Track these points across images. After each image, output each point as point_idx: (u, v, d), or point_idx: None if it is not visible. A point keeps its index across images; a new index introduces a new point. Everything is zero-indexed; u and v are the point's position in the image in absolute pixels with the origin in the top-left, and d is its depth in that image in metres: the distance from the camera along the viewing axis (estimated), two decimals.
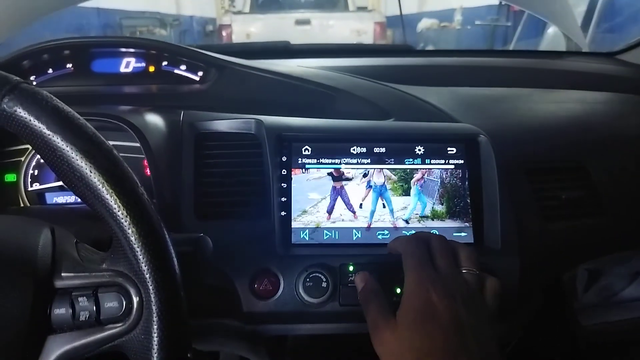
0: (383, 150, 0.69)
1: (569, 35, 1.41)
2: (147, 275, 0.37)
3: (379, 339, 0.47)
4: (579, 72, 1.07)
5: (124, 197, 0.37)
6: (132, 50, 0.87)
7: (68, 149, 0.36)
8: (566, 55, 1.24)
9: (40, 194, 0.77)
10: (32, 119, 0.36)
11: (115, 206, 0.36)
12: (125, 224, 0.37)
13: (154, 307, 0.37)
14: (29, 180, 0.77)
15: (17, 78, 0.37)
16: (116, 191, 0.36)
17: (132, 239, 0.37)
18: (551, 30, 1.81)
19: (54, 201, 0.77)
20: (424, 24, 6.03)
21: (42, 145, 0.36)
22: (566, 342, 0.98)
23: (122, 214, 0.36)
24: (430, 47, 5.15)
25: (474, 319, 0.45)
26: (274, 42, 1.18)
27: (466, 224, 0.67)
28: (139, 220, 0.37)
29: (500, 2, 4.95)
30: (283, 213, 0.66)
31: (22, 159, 0.77)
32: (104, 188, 0.36)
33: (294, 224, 0.66)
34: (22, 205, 0.76)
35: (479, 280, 0.51)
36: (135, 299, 0.39)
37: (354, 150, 0.69)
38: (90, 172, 0.36)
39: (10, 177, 0.76)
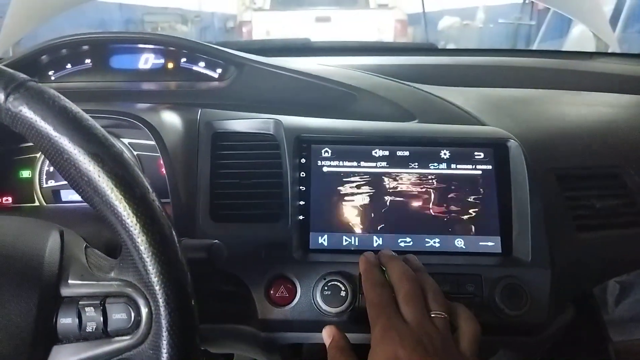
0: (407, 153, 0.66)
1: (599, 35, 1.36)
2: (157, 287, 0.35)
3: None
4: (611, 74, 1.02)
5: (134, 204, 0.34)
6: (151, 46, 0.85)
7: (76, 152, 0.34)
8: (596, 56, 1.19)
9: (56, 190, 0.76)
10: (38, 119, 0.34)
11: (125, 213, 0.34)
12: (135, 232, 0.34)
13: (163, 321, 0.35)
14: (44, 177, 0.76)
15: (24, 76, 0.35)
16: (126, 197, 0.34)
17: (142, 248, 0.34)
18: (576, 30, 1.76)
19: (69, 198, 0.76)
20: (445, 22, 5.94)
21: (49, 148, 0.34)
22: (597, 358, 0.94)
23: (132, 222, 0.34)
24: (452, 46, 5.07)
25: None
26: (294, 40, 1.16)
27: (494, 233, 0.64)
28: (149, 229, 0.35)
29: (524, 1, 4.86)
30: (301, 217, 0.64)
31: (37, 155, 0.76)
32: (112, 194, 0.34)
33: (312, 229, 0.64)
34: (37, 202, 0.75)
35: (449, 323, 0.47)
36: (144, 311, 0.36)
37: (375, 153, 0.66)
38: (99, 176, 0.34)
39: (25, 174, 0.76)
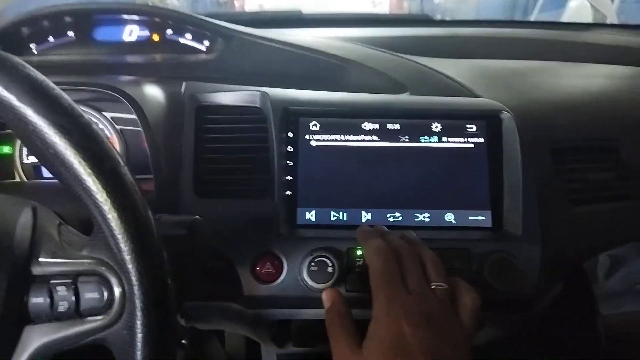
0: (397, 127, 0.64)
1: (596, 6, 1.33)
2: (130, 266, 0.33)
3: None
4: (608, 46, 1.00)
5: (103, 178, 0.33)
6: (135, 17, 0.82)
7: (41, 122, 0.32)
8: (593, 27, 1.16)
9: (37, 166, 0.74)
10: (0, 88, 0.32)
11: (94, 188, 0.32)
12: (105, 208, 0.33)
13: (137, 301, 0.33)
14: (25, 152, 0.74)
15: None
16: (95, 171, 0.32)
17: (113, 224, 0.33)
18: (574, 2, 1.72)
19: (50, 174, 0.74)
20: None
21: (13, 118, 0.32)
22: (586, 332, 0.94)
23: (101, 197, 0.32)
24: (448, 19, 4.99)
25: (449, 347, 0.41)
26: (285, 11, 1.12)
27: (485, 207, 0.63)
28: (120, 204, 0.33)
29: None
30: (288, 192, 0.62)
31: (11, 130, 0.74)
32: (80, 167, 0.32)
33: (299, 204, 0.62)
34: (17, 178, 0.73)
35: (450, 295, 0.46)
36: (117, 290, 0.35)
37: (365, 126, 0.64)
38: (66, 149, 0.32)
39: (5, 149, 0.73)
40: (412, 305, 0.42)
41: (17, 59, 0.34)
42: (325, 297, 0.51)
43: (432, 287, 0.45)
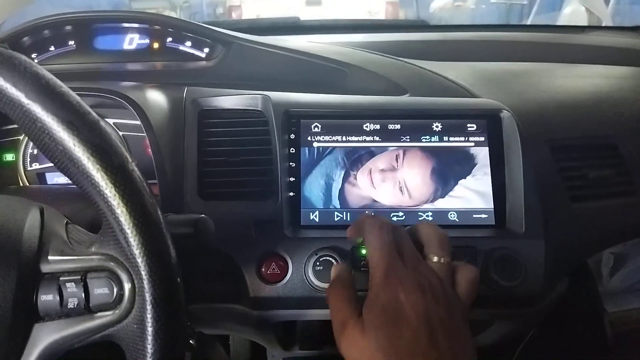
0: (398, 127, 0.65)
1: (591, 9, 1.34)
2: (139, 260, 0.33)
3: (350, 339, 0.43)
4: (603, 47, 1.01)
5: (112, 173, 0.33)
6: (135, 25, 0.83)
7: (49, 119, 0.32)
8: (588, 29, 1.18)
9: (40, 173, 0.74)
10: (8, 85, 0.32)
11: (102, 183, 0.33)
12: (114, 203, 0.33)
13: (147, 295, 0.33)
14: (28, 160, 0.74)
15: None
16: (103, 166, 0.33)
17: (122, 219, 0.33)
18: (568, 9, 1.74)
19: (54, 181, 0.75)
20: (437, 3, 5.88)
21: (21, 116, 0.32)
22: (592, 329, 0.94)
23: (110, 192, 0.33)
24: None
25: (446, 315, 0.42)
26: (283, 18, 1.14)
27: (487, 205, 0.63)
28: (129, 199, 0.33)
29: None
30: (291, 194, 0.63)
31: (21, 137, 0.75)
32: (89, 163, 0.32)
33: (303, 205, 0.63)
34: (21, 185, 0.73)
35: (450, 269, 0.47)
36: (127, 286, 0.35)
37: (366, 127, 0.65)
38: (74, 145, 0.32)
39: (8, 157, 0.74)
40: (408, 275, 0.44)
41: (24, 58, 0.34)
42: (332, 270, 0.52)
43: (434, 260, 0.47)
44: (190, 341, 0.49)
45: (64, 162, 0.33)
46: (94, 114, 0.34)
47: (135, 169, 0.35)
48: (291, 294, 0.59)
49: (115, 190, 0.33)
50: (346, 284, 0.48)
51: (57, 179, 0.74)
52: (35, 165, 0.74)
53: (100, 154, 0.33)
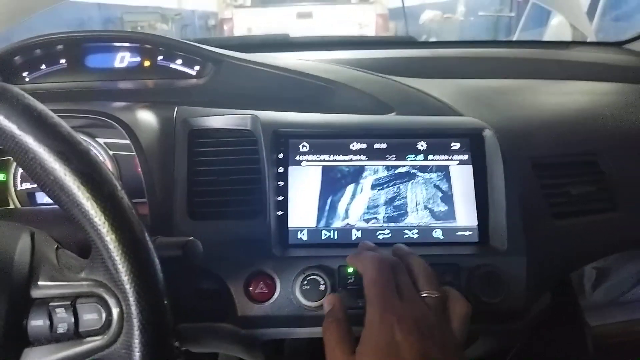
0: (384, 146, 0.66)
1: (575, 25, 1.37)
2: (127, 286, 0.34)
3: None
4: (586, 63, 1.03)
5: (102, 201, 0.34)
6: (126, 44, 0.84)
7: (41, 150, 0.33)
8: (572, 45, 1.20)
9: (31, 193, 0.75)
10: (1, 118, 0.33)
11: (92, 212, 0.34)
12: (103, 230, 0.34)
13: (134, 320, 0.34)
14: (19, 179, 0.75)
15: None
16: (93, 195, 0.34)
17: (111, 247, 0.34)
18: (555, 20, 1.78)
19: (44, 200, 0.75)
20: (426, 15, 5.96)
21: (14, 147, 0.34)
22: (574, 343, 0.95)
23: (99, 220, 0.34)
24: (433, 39, 5.10)
25: (440, 352, 0.42)
26: (273, 35, 1.15)
27: (471, 222, 0.65)
28: (117, 227, 0.34)
29: None
30: (280, 212, 0.64)
31: (12, 158, 0.75)
32: (79, 192, 0.33)
33: (290, 224, 0.64)
34: (11, 205, 0.74)
35: (442, 302, 0.47)
36: (115, 311, 0.36)
37: (353, 146, 0.66)
38: (65, 174, 0.33)
39: None
40: (405, 313, 0.44)
41: (17, 90, 0.35)
42: (326, 301, 0.52)
43: (424, 295, 0.47)
44: None
45: (55, 190, 0.34)
46: (84, 144, 0.35)
47: (125, 196, 0.36)
48: (279, 313, 0.59)
49: (104, 218, 0.34)
50: (340, 319, 0.48)
51: (47, 198, 0.74)
52: (26, 185, 0.74)
53: (90, 183, 0.34)
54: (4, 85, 0.35)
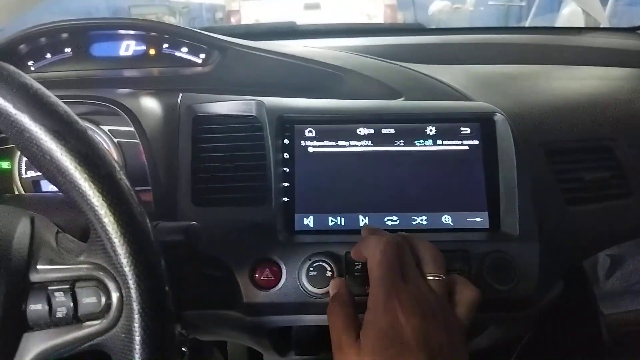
0: (392, 131, 0.65)
1: (588, 10, 1.34)
2: (127, 269, 0.33)
3: None
4: (599, 48, 1.01)
5: (99, 182, 0.33)
6: (132, 32, 0.83)
7: (37, 129, 0.32)
8: (585, 30, 1.18)
9: (36, 181, 0.74)
10: None
11: (90, 192, 0.33)
12: (101, 212, 0.33)
13: (134, 304, 0.34)
14: (24, 167, 0.74)
15: None
16: (90, 176, 0.33)
17: (109, 229, 0.33)
18: (567, 10, 1.74)
19: (49, 189, 0.75)
20: (435, 5, 5.91)
21: (9, 126, 0.33)
22: (588, 331, 0.94)
23: (97, 201, 0.33)
24: None
25: (445, 337, 0.41)
26: (279, 23, 1.14)
27: (481, 208, 0.63)
28: (116, 209, 0.33)
29: None
30: (286, 199, 0.63)
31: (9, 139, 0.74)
32: (76, 172, 0.32)
33: (297, 211, 0.63)
34: (16, 193, 0.73)
35: (446, 286, 0.46)
36: (114, 295, 0.35)
37: (360, 131, 0.65)
38: (61, 154, 0.32)
39: (3, 165, 0.74)
40: (408, 296, 0.43)
41: (13, 68, 0.34)
42: (332, 285, 0.51)
43: (429, 278, 0.46)
44: (183, 348, 0.49)
45: (52, 171, 0.33)
46: (81, 123, 0.34)
47: (124, 177, 0.35)
48: (285, 300, 0.59)
49: (102, 199, 0.33)
50: (345, 302, 0.47)
51: (52, 186, 0.74)
52: (31, 173, 0.74)
53: (87, 163, 0.33)
54: (0, 63, 0.34)
